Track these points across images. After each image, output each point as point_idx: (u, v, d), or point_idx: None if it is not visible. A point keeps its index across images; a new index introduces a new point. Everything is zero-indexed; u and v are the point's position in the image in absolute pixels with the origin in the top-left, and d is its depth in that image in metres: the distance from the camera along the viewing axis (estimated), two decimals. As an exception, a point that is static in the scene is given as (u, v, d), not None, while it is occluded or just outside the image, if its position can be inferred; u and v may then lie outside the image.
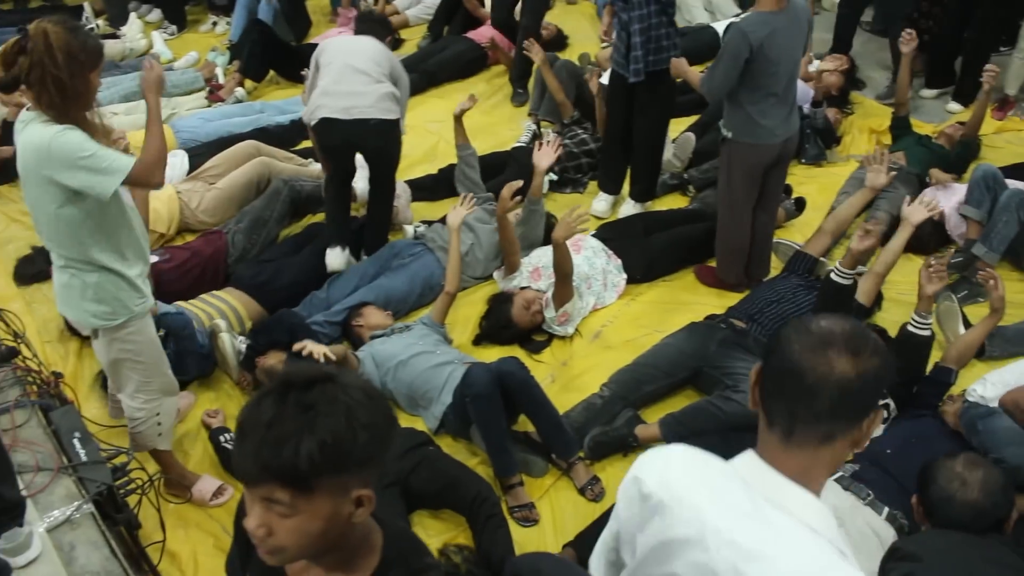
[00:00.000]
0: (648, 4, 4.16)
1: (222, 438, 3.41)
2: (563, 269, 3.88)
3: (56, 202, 2.52)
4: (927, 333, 3.30)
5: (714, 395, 3.51)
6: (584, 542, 2.94)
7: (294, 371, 1.27)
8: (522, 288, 4.11)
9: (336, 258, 4.11)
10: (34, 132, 2.46)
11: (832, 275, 3.54)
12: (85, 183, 2.48)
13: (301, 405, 1.21)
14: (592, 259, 4.20)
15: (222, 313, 3.83)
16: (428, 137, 5.69)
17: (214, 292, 3.98)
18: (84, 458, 2.68)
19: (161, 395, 2.97)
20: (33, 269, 4.44)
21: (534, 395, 3.27)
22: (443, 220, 4.49)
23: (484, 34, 6.40)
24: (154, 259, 3.69)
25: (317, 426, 1.20)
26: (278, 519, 1.24)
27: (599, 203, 4.96)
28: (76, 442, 2.72)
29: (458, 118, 4.57)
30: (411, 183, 5.02)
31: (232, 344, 3.63)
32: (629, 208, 4.86)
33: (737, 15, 6.84)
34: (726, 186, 4.08)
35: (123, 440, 3.21)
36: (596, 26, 7.22)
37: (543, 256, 4.22)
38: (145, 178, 2.62)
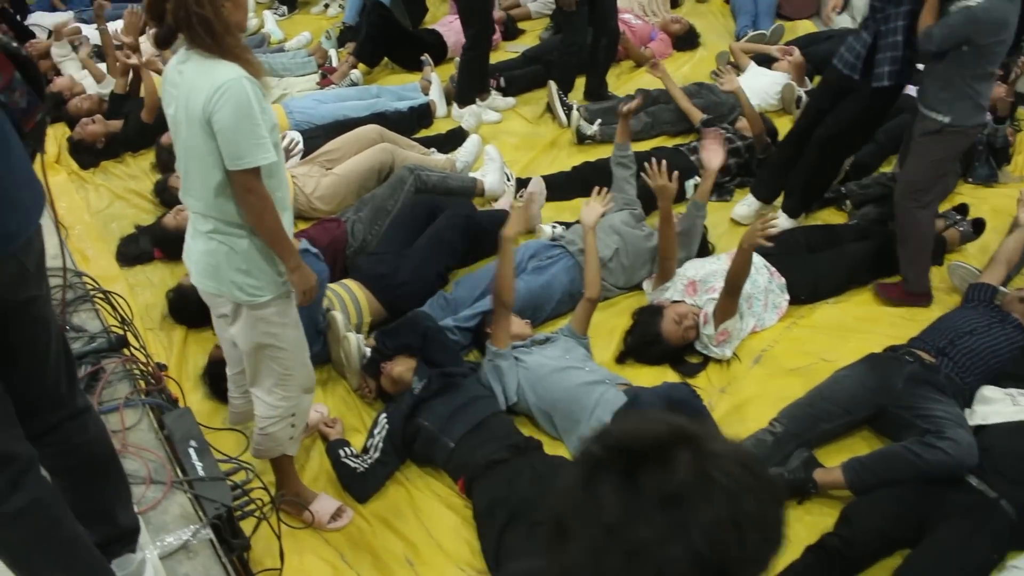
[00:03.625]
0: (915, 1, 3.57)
1: (341, 452, 3.00)
2: (737, 280, 3.41)
3: (215, 152, 2.19)
4: None
5: (911, 440, 2.98)
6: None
7: (632, 431, 0.81)
8: (674, 301, 3.64)
9: None
10: (203, 71, 2.17)
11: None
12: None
13: (663, 496, 0.77)
14: (754, 277, 3.70)
15: (341, 303, 3.43)
16: (550, 128, 5.29)
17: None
18: (201, 472, 2.28)
19: (300, 391, 2.60)
20: (137, 250, 4.13)
21: (708, 428, 2.80)
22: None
23: (615, 26, 5.94)
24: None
25: (690, 530, 0.75)
26: None
27: (742, 208, 4.47)
28: (192, 452, 2.34)
29: (625, 116, 4.10)
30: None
31: (358, 345, 3.22)
32: (783, 223, 4.35)
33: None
34: (929, 178, 3.69)
35: (227, 443, 2.84)
36: (728, 23, 6.74)
37: (700, 268, 3.74)
38: None
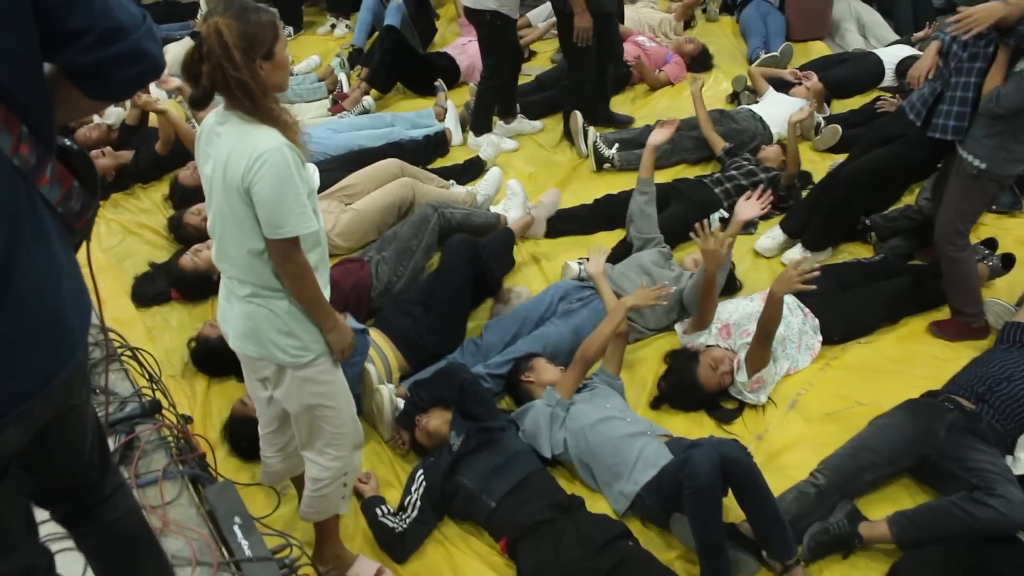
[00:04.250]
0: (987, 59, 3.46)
1: (378, 511, 2.92)
2: (769, 328, 3.35)
3: (253, 220, 2.13)
4: None
5: (960, 496, 2.92)
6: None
7: None
8: (708, 346, 3.57)
9: None
10: (241, 136, 2.10)
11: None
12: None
13: None
14: (788, 318, 3.64)
15: (371, 359, 3.35)
16: (567, 156, 5.21)
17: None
18: (248, 552, 2.20)
19: (351, 448, 2.52)
20: (153, 290, 4.03)
21: (759, 487, 2.74)
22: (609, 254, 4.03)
23: (629, 52, 5.87)
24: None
25: None
26: None
27: (767, 240, 4.41)
28: (237, 530, 2.25)
29: (652, 149, 4.03)
30: (561, 213, 4.53)
31: (391, 398, 3.14)
32: (797, 254, 4.30)
33: (896, 42, 6.26)
34: (965, 221, 3.65)
35: (255, 500, 2.75)
36: (739, 44, 6.68)
37: (733, 311, 3.68)
38: None
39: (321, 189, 4.42)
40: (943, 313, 3.94)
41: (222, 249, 2.26)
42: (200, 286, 3.93)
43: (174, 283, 3.98)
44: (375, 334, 3.48)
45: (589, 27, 4.72)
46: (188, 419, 3.07)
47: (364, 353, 3.30)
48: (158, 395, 2.80)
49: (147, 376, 2.87)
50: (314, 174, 4.51)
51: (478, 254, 3.70)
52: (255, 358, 2.35)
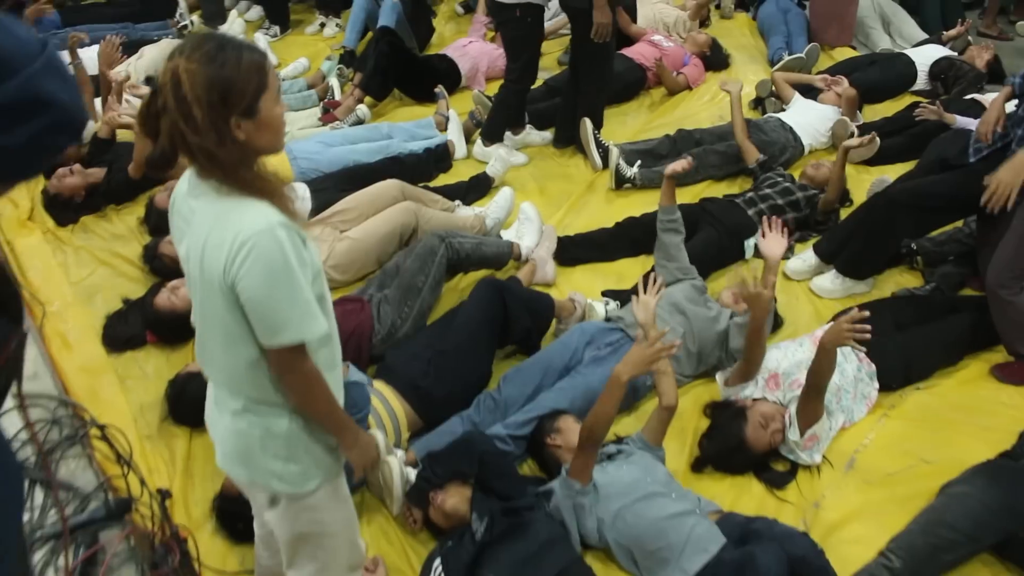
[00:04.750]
0: None
1: (388, 609, 2.51)
2: (820, 382, 2.95)
3: (243, 324, 1.67)
4: None
5: (1059, 584, 2.56)
6: None
7: None
8: (755, 399, 3.17)
9: None
10: (219, 215, 1.63)
11: None
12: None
13: None
14: (842, 365, 3.24)
15: (378, 419, 2.94)
16: (581, 170, 4.78)
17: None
18: None
19: (347, 573, 2.11)
20: (127, 332, 3.58)
21: (833, 591, 2.34)
22: (634, 291, 3.58)
23: (644, 53, 5.44)
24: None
25: None
26: None
27: (797, 263, 4.02)
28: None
29: (671, 178, 3.61)
30: (579, 238, 4.11)
31: (400, 471, 2.71)
32: (827, 281, 3.90)
33: (925, 41, 5.86)
34: None
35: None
36: (757, 43, 6.26)
37: (783, 359, 3.27)
38: None
39: (314, 212, 3.98)
40: (1003, 352, 3.57)
41: (207, 352, 1.81)
42: (178, 328, 3.49)
43: (149, 325, 3.53)
44: (380, 385, 3.05)
45: (609, 22, 4.29)
46: (167, 494, 2.65)
47: (366, 408, 2.88)
48: (131, 478, 2.37)
49: (116, 456, 2.44)
50: (305, 195, 4.08)
51: (504, 298, 3.27)
52: (246, 484, 1.93)
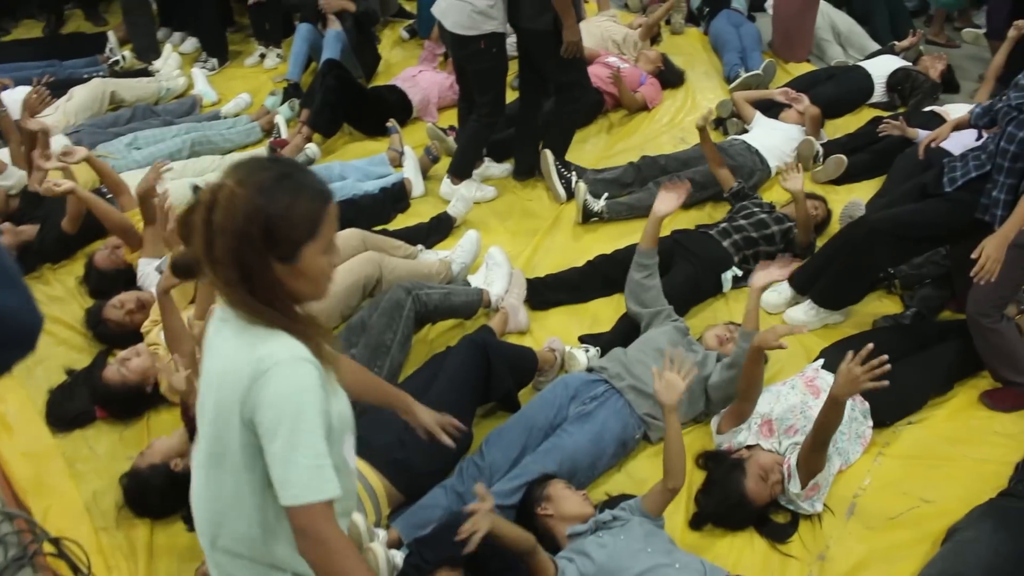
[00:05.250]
0: None
1: None
2: (827, 435, 2.82)
3: (259, 471, 1.48)
4: None
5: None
6: None
7: None
8: (748, 446, 3.03)
9: None
10: (244, 341, 1.48)
11: None
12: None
13: None
14: (837, 405, 3.12)
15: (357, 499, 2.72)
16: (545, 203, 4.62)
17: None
18: None
19: None
20: (74, 409, 3.32)
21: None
22: (613, 331, 3.45)
23: (600, 75, 5.28)
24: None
25: None
26: None
27: (773, 295, 3.90)
28: None
29: (658, 220, 3.46)
30: (550, 279, 3.93)
31: (386, 557, 2.51)
32: (800, 313, 3.79)
33: (878, 52, 5.83)
34: (1009, 291, 3.28)
35: None
36: (711, 58, 6.16)
37: (775, 402, 3.14)
38: None
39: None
40: (989, 378, 3.50)
41: (197, 495, 1.62)
42: (131, 402, 3.25)
43: (98, 401, 3.27)
44: (360, 465, 2.84)
45: (579, 40, 4.13)
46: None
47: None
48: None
49: (72, 570, 2.19)
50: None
51: (487, 355, 3.08)
52: None
